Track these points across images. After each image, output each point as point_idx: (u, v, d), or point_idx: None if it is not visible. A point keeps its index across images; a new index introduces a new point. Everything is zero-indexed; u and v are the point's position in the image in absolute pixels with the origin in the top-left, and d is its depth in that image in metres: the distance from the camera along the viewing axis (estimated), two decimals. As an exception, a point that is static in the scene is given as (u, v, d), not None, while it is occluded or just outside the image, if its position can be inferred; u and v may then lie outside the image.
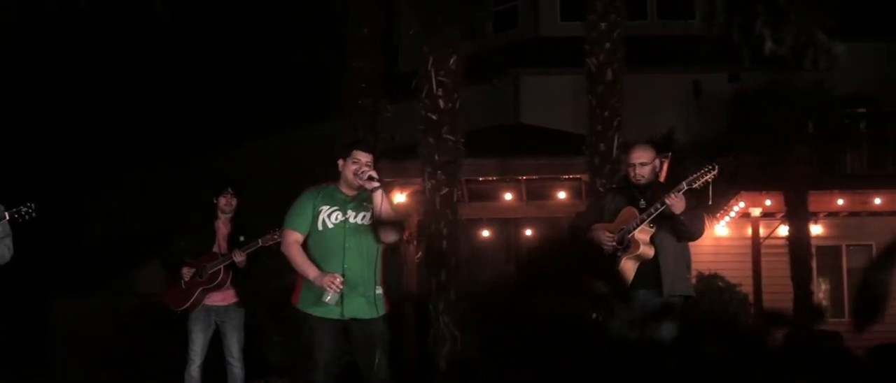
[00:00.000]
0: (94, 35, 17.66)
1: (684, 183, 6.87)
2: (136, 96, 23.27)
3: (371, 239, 6.35)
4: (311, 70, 19.60)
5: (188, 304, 8.19)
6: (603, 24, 12.15)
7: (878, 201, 16.06)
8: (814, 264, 15.71)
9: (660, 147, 7.65)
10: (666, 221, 6.96)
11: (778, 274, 15.57)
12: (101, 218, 22.11)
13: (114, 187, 22.55)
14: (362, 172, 6.29)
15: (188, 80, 22.91)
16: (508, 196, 14.91)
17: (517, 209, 15.26)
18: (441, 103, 11.89)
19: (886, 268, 2.66)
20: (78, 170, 22.53)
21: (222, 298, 8.25)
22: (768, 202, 15.97)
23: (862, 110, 17.23)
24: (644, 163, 7.19)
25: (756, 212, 15.97)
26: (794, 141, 15.31)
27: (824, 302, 16.70)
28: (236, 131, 22.36)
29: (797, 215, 15.40)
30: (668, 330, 3.22)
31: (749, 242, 16.02)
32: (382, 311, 6.39)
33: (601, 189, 10.39)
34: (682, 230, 6.97)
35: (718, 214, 15.89)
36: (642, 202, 7.09)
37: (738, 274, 15.27)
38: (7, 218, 7.53)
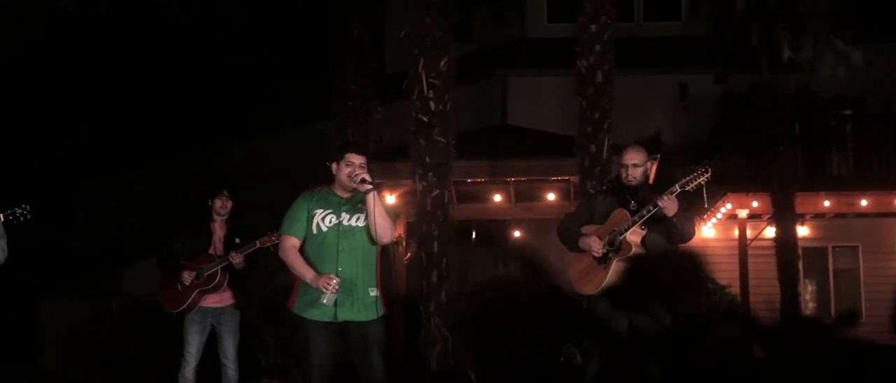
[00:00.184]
0: (101, 37, 17.56)
1: (677, 185, 6.91)
2: (132, 95, 23.19)
3: (366, 241, 6.37)
4: (308, 70, 19.53)
5: (185, 306, 8.18)
6: (593, 26, 12.16)
7: (864, 203, 16.09)
8: (801, 265, 15.77)
9: (648, 149, 7.70)
10: (657, 223, 6.99)
11: (765, 275, 15.65)
12: (95, 218, 21.94)
13: (108, 187, 22.37)
14: (356, 175, 6.31)
15: (187, 80, 22.84)
16: (497, 198, 14.89)
17: (506, 210, 15.24)
18: (432, 105, 11.88)
19: None
20: (71, 169, 22.44)
21: (219, 300, 8.25)
22: (755, 204, 16.03)
23: (848, 112, 17.31)
24: (637, 164, 7.24)
25: (743, 213, 16.03)
26: (781, 142, 15.36)
27: (811, 303, 16.80)
28: (233, 131, 22.24)
29: (784, 217, 15.47)
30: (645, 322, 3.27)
31: (736, 244, 16.08)
32: (379, 313, 6.40)
33: (592, 190, 10.41)
34: (675, 232, 7.00)
35: (705, 216, 15.94)
36: (633, 204, 7.13)
37: (726, 275, 15.27)
38: (2, 219, 7.43)
